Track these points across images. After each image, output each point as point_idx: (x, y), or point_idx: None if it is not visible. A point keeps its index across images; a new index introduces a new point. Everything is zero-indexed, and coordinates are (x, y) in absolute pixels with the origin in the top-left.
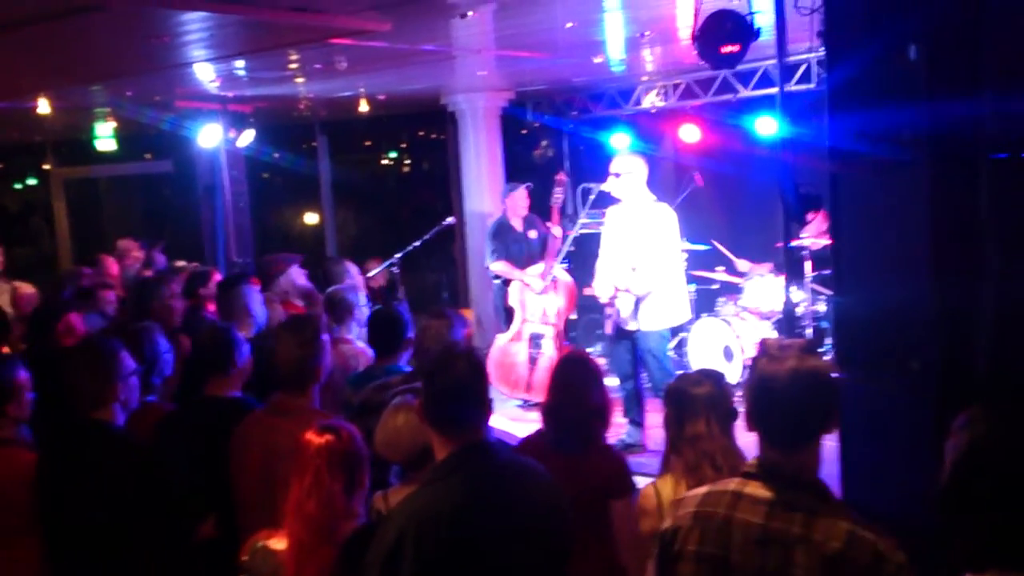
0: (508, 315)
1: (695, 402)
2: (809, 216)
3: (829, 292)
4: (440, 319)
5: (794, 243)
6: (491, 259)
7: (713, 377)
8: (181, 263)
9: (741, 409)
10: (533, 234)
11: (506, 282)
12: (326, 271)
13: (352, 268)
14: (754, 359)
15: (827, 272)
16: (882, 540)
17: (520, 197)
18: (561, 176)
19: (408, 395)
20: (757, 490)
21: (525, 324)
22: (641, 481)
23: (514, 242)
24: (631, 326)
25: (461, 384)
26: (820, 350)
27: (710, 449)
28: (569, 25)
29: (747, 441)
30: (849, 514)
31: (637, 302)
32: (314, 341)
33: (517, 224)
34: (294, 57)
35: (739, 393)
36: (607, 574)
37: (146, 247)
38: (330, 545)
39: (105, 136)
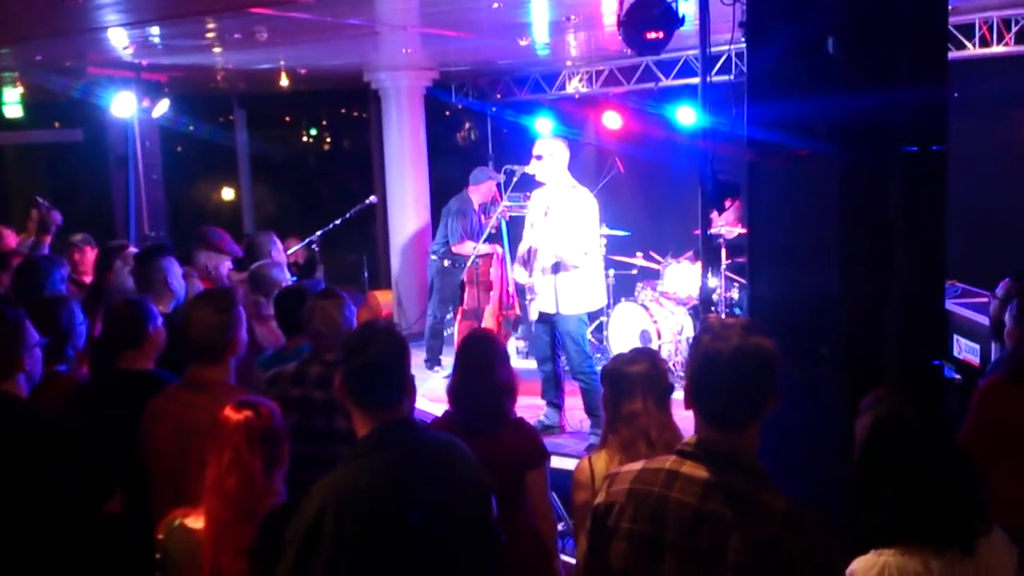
0: (460, 292)
1: (631, 380)
2: (726, 204)
3: (743, 280)
4: (330, 298)
5: (711, 231)
6: (456, 239)
7: (648, 355)
8: (78, 236)
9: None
10: (484, 220)
11: (455, 262)
12: (250, 244)
13: (278, 243)
14: (696, 337)
15: (741, 260)
16: (816, 527)
17: (489, 188)
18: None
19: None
20: (693, 470)
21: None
22: (559, 462)
23: (473, 226)
24: (549, 309)
25: (381, 361)
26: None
27: (645, 424)
28: (496, 5)
29: (682, 417)
30: (784, 499)
31: (555, 286)
32: (231, 310)
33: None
34: (212, 25)
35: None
36: (528, 543)
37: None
38: (250, 523)
39: (12, 102)
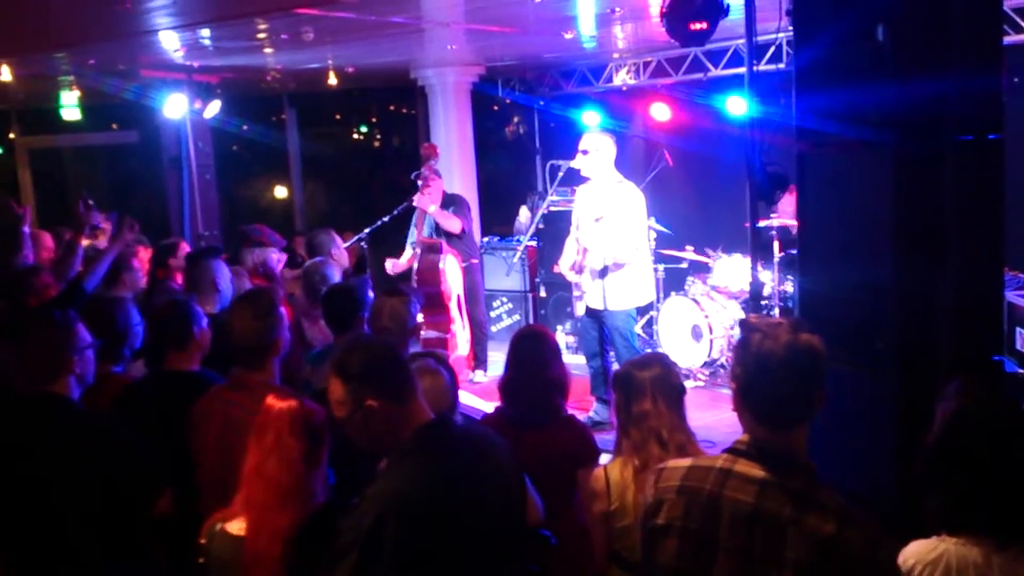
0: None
1: (641, 384)
2: (778, 196)
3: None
4: (395, 296)
5: (762, 223)
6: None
7: (660, 359)
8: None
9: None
10: None
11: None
12: (310, 243)
13: (338, 240)
14: (743, 337)
15: (794, 252)
16: (872, 526)
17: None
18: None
19: (428, 359)
20: (748, 468)
21: None
22: (608, 459)
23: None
24: (597, 305)
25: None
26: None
27: (656, 426)
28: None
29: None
30: (839, 498)
31: (603, 282)
32: (270, 314)
33: None
34: (260, 27)
35: (705, 371)
36: (578, 541)
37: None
38: (289, 508)
39: (70, 105)
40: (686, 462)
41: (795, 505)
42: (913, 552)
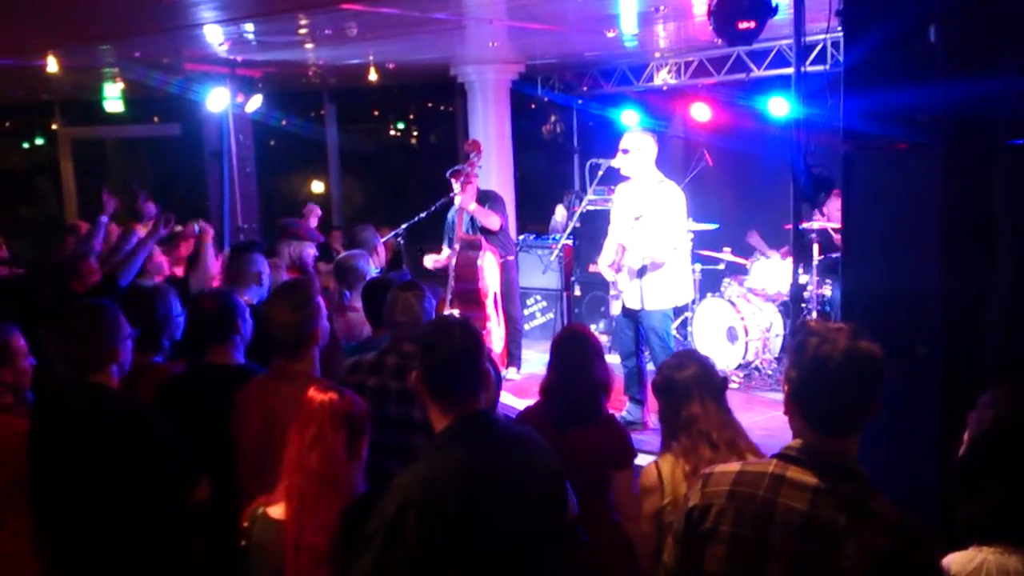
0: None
1: (685, 385)
2: (823, 199)
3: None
4: (411, 290)
5: (803, 225)
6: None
7: (694, 356)
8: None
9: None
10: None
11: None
12: (353, 237)
13: (379, 237)
14: (800, 340)
15: (834, 256)
16: (927, 538)
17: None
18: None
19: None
20: (801, 475)
21: None
22: (642, 459)
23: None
24: (634, 305)
25: (460, 354)
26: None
27: (705, 428)
28: None
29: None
30: (895, 508)
31: (640, 281)
32: (308, 304)
33: None
34: (304, 22)
35: (739, 373)
36: (614, 543)
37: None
38: (331, 500)
39: (113, 97)
40: (735, 467)
41: (850, 514)
42: (953, 563)
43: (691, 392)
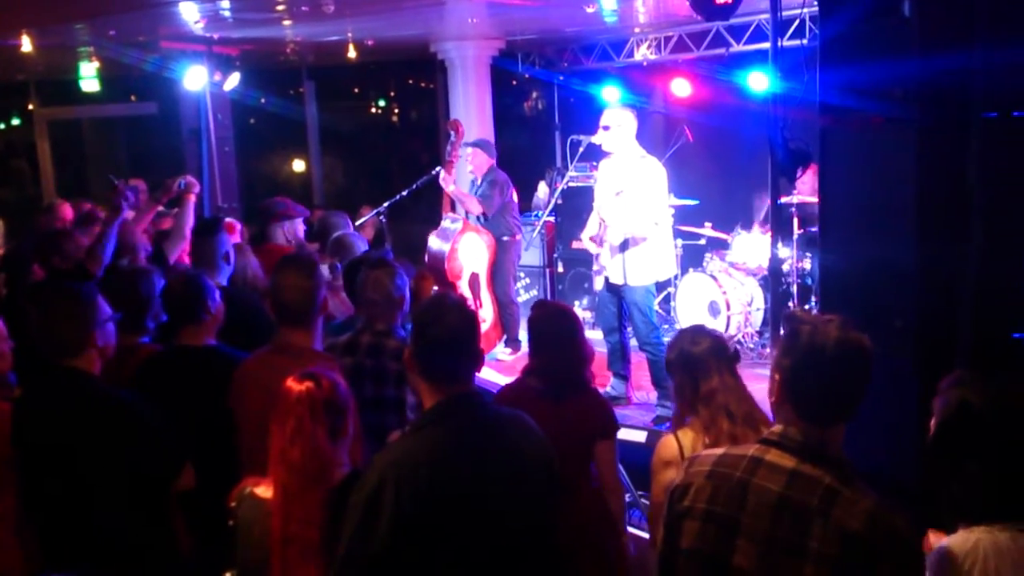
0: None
1: (703, 359)
2: (801, 172)
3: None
4: (381, 268)
5: (783, 200)
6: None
7: (705, 331)
8: (88, 206)
9: None
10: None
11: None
12: (323, 222)
13: (350, 224)
14: (791, 329)
15: (813, 230)
16: (903, 525)
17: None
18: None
19: None
20: (779, 459)
21: None
22: (625, 433)
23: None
24: (617, 279)
25: (454, 335)
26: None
27: (724, 401)
28: None
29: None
30: (872, 496)
31: (623, 256)
32: (316, 275)
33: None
34: None
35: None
36: (596, 512)
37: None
38: (316, 492)
39: (89, 76)
40: (719, 450)
41: (823, 497)
42: (951, 547)
43: (709, 366)
